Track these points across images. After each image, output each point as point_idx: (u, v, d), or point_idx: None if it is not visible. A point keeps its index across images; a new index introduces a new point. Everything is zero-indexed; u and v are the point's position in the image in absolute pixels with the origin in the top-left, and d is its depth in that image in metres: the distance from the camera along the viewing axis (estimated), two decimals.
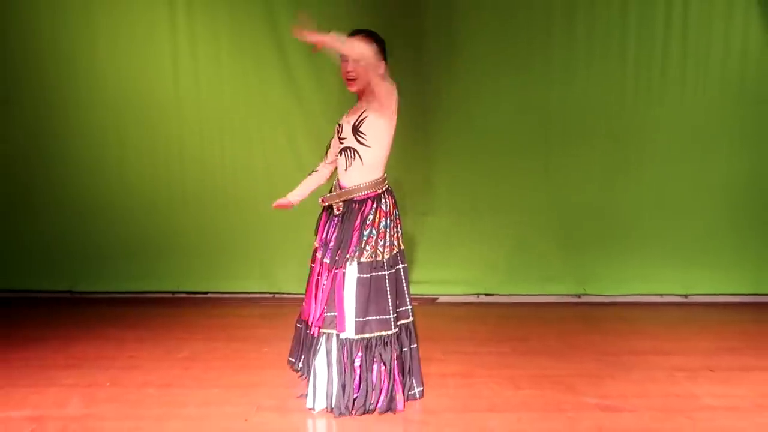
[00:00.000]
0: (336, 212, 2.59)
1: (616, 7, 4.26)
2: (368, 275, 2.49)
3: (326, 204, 2.65)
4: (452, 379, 2.88)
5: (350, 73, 2.51)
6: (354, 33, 2.53)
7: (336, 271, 2.52)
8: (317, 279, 2.64)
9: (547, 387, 2.80)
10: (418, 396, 2.62)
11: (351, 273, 2.50)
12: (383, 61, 2.54)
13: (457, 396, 2.70)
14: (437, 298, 4.45)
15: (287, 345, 3.30)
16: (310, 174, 2.87)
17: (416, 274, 4.23)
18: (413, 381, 2.62)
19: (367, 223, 2.53)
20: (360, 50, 2.34)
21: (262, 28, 4.33)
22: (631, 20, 4.27)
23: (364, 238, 2.51)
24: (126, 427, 2.39)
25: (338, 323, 2.48)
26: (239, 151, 4.48)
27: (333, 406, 2.46)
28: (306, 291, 2.75)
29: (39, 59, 4.39)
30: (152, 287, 4.52)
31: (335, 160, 2.69)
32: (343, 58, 2.50)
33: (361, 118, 2.53)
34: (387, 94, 2.49)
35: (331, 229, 2.61)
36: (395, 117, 2.55)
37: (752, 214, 4.36)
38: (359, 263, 2.49)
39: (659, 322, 3.92)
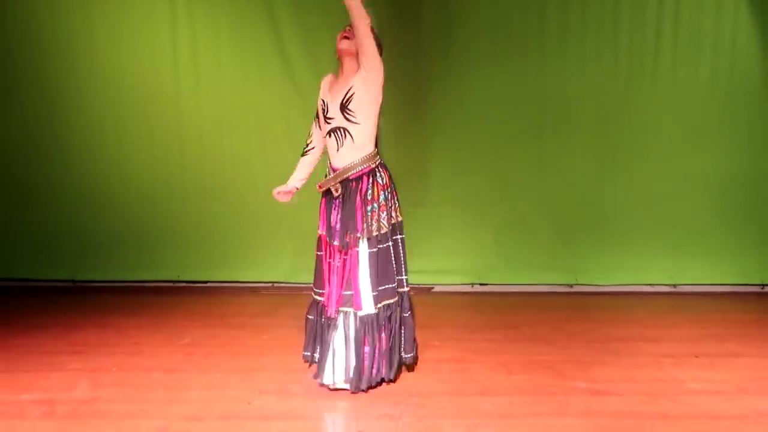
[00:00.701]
0: (335, 194, 2.65)
1: (609, 6, 4.32)
2: (376, 249, 2.61)
3: (323, 189, 2.70)
4: (447, 365, 2.98)
5: (339, 45, 2.60)
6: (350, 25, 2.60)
7: (349, 251, 2.61)
8: (329, 263, 2.70)
9: (538, 372, 2.90)
10: (407, 362, 2.75)
11: (363, 251, 2.61)
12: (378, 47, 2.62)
13: (451, 380, 2.80)
14: (433, 288, 4.55)
15: (285, 332, 3.44)
16: (303, 155, 2.86)
17: (412, 264, 4.27)
18: (405, 347, 2.72)
19: (368, 198, 2.62)
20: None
21: (262, 22, 4.38)
22: (623, 16, 4.33)
23: (368, 214, 2.61)
24: (133, 410, 2.48)
25: (355, 301, 2.60)
26: (238, 143, 4.53)
27: (350, 380, 2.59)
28: (316, 279, 2.77)
29: (39, 57, 4.43)
30: (152, 276, 4.59)
31: (324, 138, 2.71)
32: (342, 37, 2.60)
33: (348, 95, 2.56)
34: (374, 55, 2.54)
35: (334, 213, 2.67)
36: (381, 93, 2.60)
37: (737, 207, 4.45)
38: (368, 240, 2.60)
39: (648, 311, 4.02)
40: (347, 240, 2.61)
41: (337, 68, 2.72)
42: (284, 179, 4.44)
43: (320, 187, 2.71)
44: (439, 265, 4.53)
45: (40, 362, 3.00)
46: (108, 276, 4.59)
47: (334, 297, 2.66)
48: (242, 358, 3.08)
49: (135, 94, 4.46)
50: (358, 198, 2.62)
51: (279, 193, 2.87)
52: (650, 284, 4.53)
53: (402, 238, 2.75)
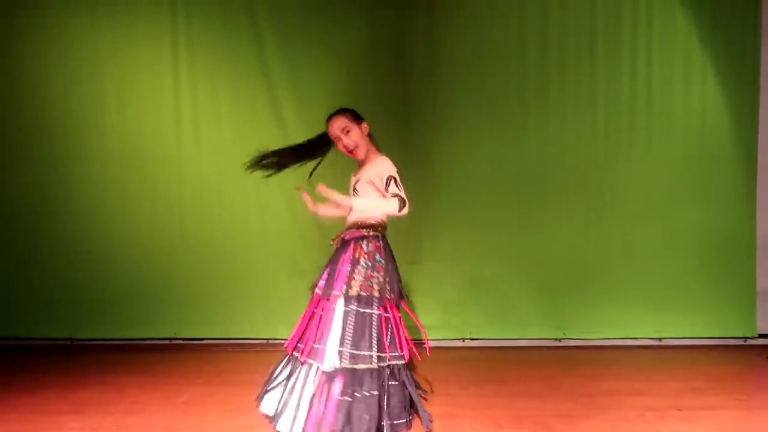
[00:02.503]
0: (333, 248, 2.87)
1: (585, 71, 4.62)
2: (353, 309, 2.69)
3: (334, 243, 2.92)
4: (438, 421, 3.05)
5: (349, 145, 2.84)
6: (330, 115, 2.88)
7: (327, 305, 2.73)
8: (313, 311, 2.81)
9: (527, 427, 2.99)
10: (396, 429, 2.72)
11: (339, 308, 2.72)
12: (362, 122, 2.89)
13: None
14: (424, 343, 4.63)
15: None
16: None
17: (405, 319, 4.43)
18: (390, 413, 2.70)
19: (355, 259, 2.77)
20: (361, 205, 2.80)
21: (259, 88, 4.65)
22: (599, 81, 4.63)
23: (354, 275, 2.74)
24: None
25: (320, 356, 2.67)
26: (236, 204, 4.71)
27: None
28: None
29: (49, 119, 4.66)
30: (150, 334, 4.67)
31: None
32: (336, 139, 2.85)
33: (357, 181, 2.88)
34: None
35: (330, 268, 2.85)
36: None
37: (716, 263, 4.64)
38: (346, 297, 2.71)
39: (633, 365, 4.14)
40: (327, 290, 2.76)
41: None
42: (281, 237, 4.69)
43: (331, 241, 2.94)
44: (430, 321, 4.65)
45: (41, 422, 3.05)
46: (106, 334, 4.66)
47: (303, 343, 2.75)
48: (239, 416, 3.15)
49: (138, 155, 4.67)
50: (346, 255, 2.80)
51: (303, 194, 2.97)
52: (636, 338, 4.66)
53: (392, 316, 2.80)
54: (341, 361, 2.65)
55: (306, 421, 2.63)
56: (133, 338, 4.66)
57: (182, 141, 4.69)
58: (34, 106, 4.67)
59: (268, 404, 2.80)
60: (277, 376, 2.85)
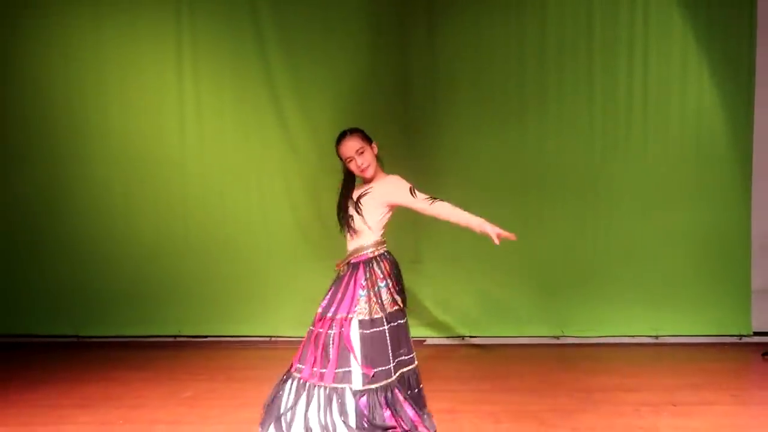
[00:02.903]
0: (341, 272, 2.84)
1: (582, 71, 4.67)
2: (369, 332, 2.71)
3: (338, 268, 2.87)
4: (439, 415, 3.09)
5: (362, 165, 2.80)
6: (343, 135, 2.84)
7: (342, 331, 2.72)
8: (310, 330, 2.82)
9: (524, 421, 3.06)
10: None
11: (354, 332, 2.72)
12: (373, 142, 2.87)
13: (442, 429, 2.94)
14: (425, 340, 4.72)
15: None
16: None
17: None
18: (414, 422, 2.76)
19: (362, 284, 2.77)
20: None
21: (262, 90, 4.71)
22: (596, 81, 4.66)
23: (360, 298, 2.76)
24: None
25: (347, 378, 2.67)
26: (239, 203, 4.78)
27: None
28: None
29: (53, 121, 4.74)
30: (155, 331, 4.75)
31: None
32: (349, 159, 2.81)
33: (364, 193, 2.82)
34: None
35: (335, 290, 2.82)
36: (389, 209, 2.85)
37: (712, 261, 4.67)
38: (360, 321, 2.72)
39: (629, 361, 4.20)
40: (338, 316, 2.74)
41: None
42: (283, 236, 4.77)
43: (336, 266, 2.89)
44: (431, 319, 4.73)
45: (51, 415, 3.14)
46: (111, 332, 4.75)
47: (324, 371, 2.72)
48: (243, 410, 3.22)
49: (141, 155, 4.74)
50: (353, 281, 2.79)
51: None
52: (632, 335, 4.72)
53: (403, 323, 2.86)
54: (364, 382, 2.68)
55: None
56: (136, 335, 4.74)
57: (185, 141, 4.76)
58: (37, 107, 4.74)
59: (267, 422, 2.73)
60: (287, 405, 2.76)
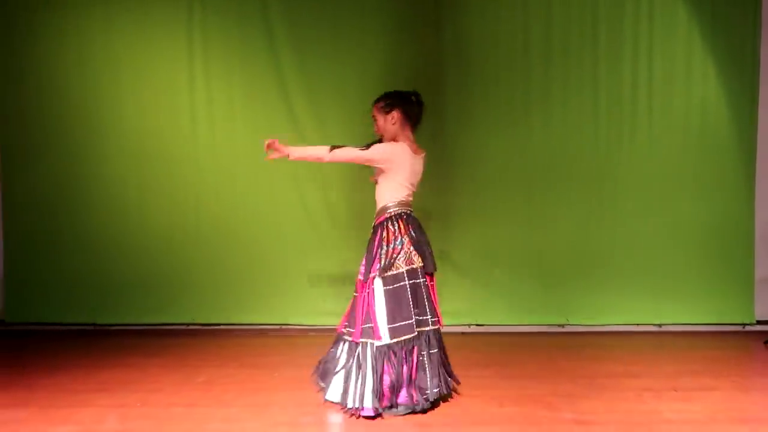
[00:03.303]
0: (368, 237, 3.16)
1: (588, 66, 4.73)
2: (391, 287, 2.98)
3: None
4: (444, 399, 3.24)
5: (377, 130, 3.22)
6: (376, 99, 3.20)
7: (368, 287, 3.01)
8: (354, 296, 3.14)
9: (528, 405, 3.16)
10: (430, 398, 2.99)
11: (378, 288, 2.99)
12: (392, 111, 3.15)
13: (447, 414, 3.05)
14: None
15: (295, 371, 3.69)
16: (332, 148, 3.15)
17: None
18: (428, 383, 3.00)
19: (382, 242, 3.03)
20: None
21: (271, 84, 4.79)
22: (601, 76, 4.72)
23: (382, 255, 3.01)
24: None
25: (375, 333, 2.94)
26: (249, 196, 4.86)
27: (364, 405, 2.91)
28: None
29: (69, 119, 4.83)
30: (168, 319, 4.86)
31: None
32: (373, 118, 3.20)
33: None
34: (377, 155, 3.11)
35: (366, 255, 3.12)
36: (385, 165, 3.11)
37: (715, 252, 4.74)
38: (383, 278, 2.98)
39: (633, 349, 4.28)
40: (365, 275, 3.03)
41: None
42: (292, 227, 4.87)
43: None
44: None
45: (71, 399, 3.25)
46: (126, 320, 4.86)
47: (352, 328, 3.06)
48: (256, 394, 3.34)
49: (156, 151, 4.83)
50: (376, 240, 3.07)
51: (273, 145, 3.27)
52: (636, 324, 4.80)
53: (423, 282, 3.08)
54: (391, 338, 2.93)
55: (361, 396, 2.92)
56: (152, 323, 4.85)
57: (197, 137, 4.85)
58: (54, 106, 4.83)
59: (334, 391, 3.05)
60: (336, 362, 3.10)
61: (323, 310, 4.75)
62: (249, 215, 4.88)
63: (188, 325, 4.88)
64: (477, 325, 4.85)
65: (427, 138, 4.80)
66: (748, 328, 4.77)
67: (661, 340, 4.58)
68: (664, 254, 4.79)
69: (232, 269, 4.87)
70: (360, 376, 2.95)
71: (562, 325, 4.83)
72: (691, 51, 4.69)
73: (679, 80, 4.72)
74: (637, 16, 4.68)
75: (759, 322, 4.77)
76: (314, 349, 3.69)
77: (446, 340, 3.23)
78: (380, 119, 3.17)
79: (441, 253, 4.75)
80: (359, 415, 2.93)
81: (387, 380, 2.93)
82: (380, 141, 3.22)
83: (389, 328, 2.95)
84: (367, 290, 3.01)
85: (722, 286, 4.77)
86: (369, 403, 2.92)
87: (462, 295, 4.83)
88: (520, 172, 4.80)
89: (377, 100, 3.20)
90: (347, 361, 3.03)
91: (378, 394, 2.90)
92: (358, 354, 2.98)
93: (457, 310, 4.80)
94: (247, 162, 4.87)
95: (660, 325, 4.80)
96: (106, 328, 4.86)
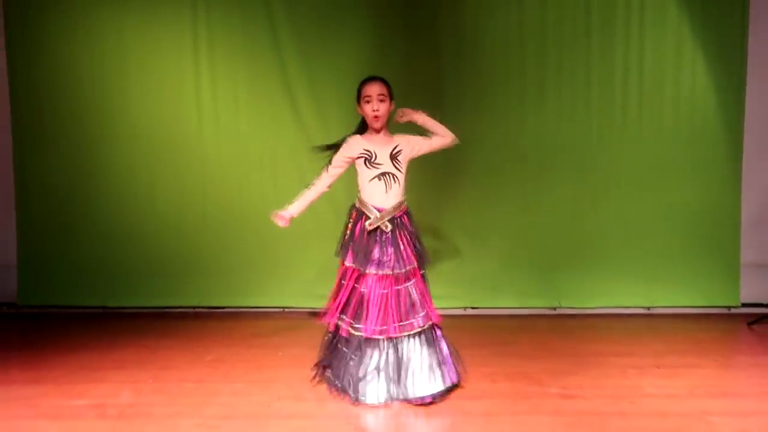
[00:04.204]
0: (386, 230, 3.12)
1: (581, 55, 4.87)
2: (425, 272, 3.20)
3: (374, 227, 3.13)
4: None
5: (376, 112, 3.12)
6: (372, 77, 3.20)
7: (410, 279, 3.12)
8: (382, 293, 3.07)
9: (518, 381, 3.34)
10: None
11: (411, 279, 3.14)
12: (392, 101, 3.23)
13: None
14: None
15: (297, 350, 3.88)
16: (307, 188, 3.26)
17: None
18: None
19: (413, 232, 3.18)
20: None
21: (275, 77, 4.93)
22: (594, 65, 4.87)
23: (419, 244, 3.16)
24: (172, 412, 2.93)
25: (432, 315, 3.13)
26: (253, 184, 5.02)
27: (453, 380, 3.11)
28: (352, 310, 3.14)
29: (81, 103, 4.98)
30: (176, 303, 5.03)
31: (371, 181, 3.16)
32: (368, 99, 3.12)
33: (397, 149, 3.18)
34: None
35: (387, 247, 3.12)
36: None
37: (702, 237, 4.90)
38: (423, 263, 3.18)
39: (621, 331, 4.45)
40: (408, 267, 3.11)
41: (362, 127, 3.28)
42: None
43: (370, 225, 3.13)
44: (434, 291, 4.95)
45: (86, 376, 3.44)
46: (135, 303, 5.04)
47: (397, 323, 3.08)
48: (262, 371, 3.53)
49: (164, 139, 4.98)
50: (409, 230, 3.18)
51: (277, 216, 3.29)
52: (626, 307, 4.97)
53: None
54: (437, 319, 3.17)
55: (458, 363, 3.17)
56: (160, 306, 5.03)
57: (203, 126, 5.00)
58: (66, 95, 4.97)
59: (372, 394, 3.02)
60: (365, 365, 3.06)
61: (323, 294, 4.90)
62: (253, 202, 5.03)
63: (195, 308, 5.07)
64: (472, 308, 5.03)
65: (422, 128, 4.99)
66: (733, 310, 4.95)
67: (649, 322, 4.76)
68: (654, 239, 4.95)
69: (237, 255, 5.04)
70: (441, 356, 3.13)
71: (555, 308, 5.00)
72: (681, 41, 4.83)
73: (670, 70, 4.86)
74: (629, 7, 4.82)
75: (744, 305, 4.95)
76: (315, 330, 3.85)
77: (442, 322, 3.39)
78: (386, 102, 3.16)
79: (436, 239, 4.98)
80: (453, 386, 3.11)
81: (448, 354, 3.17)
82: (361, 130, 3.25)
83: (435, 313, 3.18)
84: (414, 279, 3.12)
85: (709, 270, 4.93)
86: (456, 377, 3.13)
87: (458, 280, 4.99)
88: (514, 158, 4.94)
89: (384, 81, 3.19)
90: (421, 351, 3.09)
91: (459, 363, 3.17)
92: (429, 338, 3.12)
93: (453, 293, 4.96)
94: (250, 151, 5.03)
95: (649, 308, 4.98)
96: (116, 311, 5.04)
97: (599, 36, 4.86)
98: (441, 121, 3.31)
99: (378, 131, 3.20)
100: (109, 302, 5.06)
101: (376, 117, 3.13)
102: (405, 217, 3.19)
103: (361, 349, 3.06)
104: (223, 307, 5.08)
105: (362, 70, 4.80)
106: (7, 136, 5.06)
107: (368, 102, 3.13)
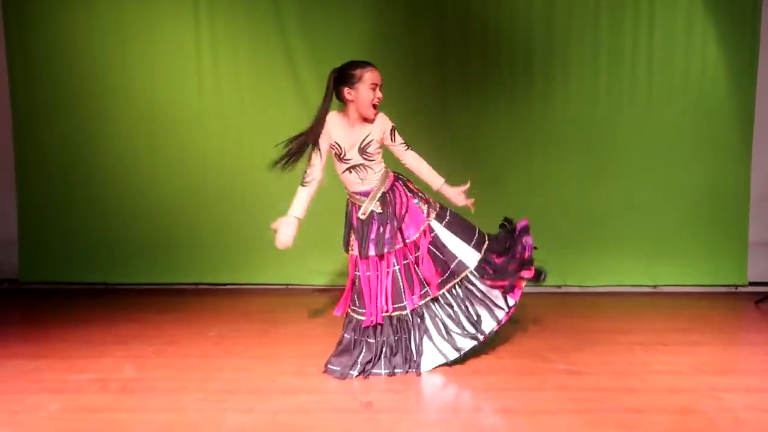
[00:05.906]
0: (379, 211, 3.06)
1: (589, 31, 4.77)
2: (447, 218, 3.19)
3: (366, 215, 3.06)
4: None
5: (380, 101, 3.05)
6: (371, 63, 3.08)
7: (421, 243, 3.08)
8: (403, 265, 3.08)
9: (524, 357, 3.31)
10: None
11: (437, 226, 3.13)
12: None
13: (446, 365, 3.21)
14: None
15: (299, 326, 3.88)
16: (303, 185, 3.18)
17: None
18: None
19: (410, 195, 3.12)
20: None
21: (277, 52, 4.86)
22: (602, 41, 4.78)
23: (419, 205, 3.12)
24: (175, 386, 2.90)
25: (462, 267, 3.12)
26: (255, 159, 4.93)
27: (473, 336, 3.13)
28: (357, 298, 3.11)
29: (81, 78, 4.92)
30: (177, 279, 5.02)
31: (342, 174, 3.13)
32: (374, 86, 3.00)
33: (366, 141, 3.05)
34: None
35: (376, 226, 3.06)
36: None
37: (709, 214, 4.84)
38: (437, 216, 3.14)
39: (627, 309, 4.42)
40: (412, 228, 3.08)
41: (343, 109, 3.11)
42: (295, 191, 4.94)
43: (363, 213, 3.07)
44: None
45: (89, 350, 3.42)
46: (136, 279, 5.02)
47: (413, 295, 3.07)
48: (264, 347, 3.51)
49: (164, 113, 4.93)
50: (407, 195, 3.11)
51: (280, 244, 3.21)
52: (632, 285, 4.94)
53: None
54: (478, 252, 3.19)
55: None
56: (161, 283, 5.01)
57: (203, 99, 4.94)
58: (64, 68, 4.91)
59: (429, 360, 3.08)
60: (415, 339, 3.07)
61: (324, 271, 4.94)
62: (254, 177, 4.96)
63: (196, 285, 5.05)
64: None
65: (425, 100, 4.92)
66: (740, 289, 4.91)
67: (654, 300, 4.72)
68: (661, 217, 4.89)
69: (239, 231, 4.99)
70: (478, 305, 3.14)
71: (560, 286, 4.97)
72: (691, 15, 4.72)
73: (680, 44, 4.76)
74: None
75: (751, 284, 4.91)
76: (317, 305, 3.85)
77: None
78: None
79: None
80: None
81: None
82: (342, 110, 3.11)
83: (472, 247, 3.18)
84: (426, 240, 3.07)
85: (717, 248, 4.88)
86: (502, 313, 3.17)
87: None
88: (520, 137, 4.87)
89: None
90: (460, 306, 3.10)
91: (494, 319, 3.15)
92: (466, 292, 3.11)
93: None
94: (252, 126, 4.96)
95: (655, 286, 4.94)
96: (117, 287, 5.02)
97: (608, 7, 4.76)
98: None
99: (371, 120, 3.06)
100: (111, 278, 5.03)
101: (375, 105, 3.04)
102: (397, 183, 3.11)
103: (407, 324, 3.08)
104: (226, 284, 5.06)
105: (365, 41, 4.76)
106: (6, 111, 4.99)
107: (373, 89, 3.01)
